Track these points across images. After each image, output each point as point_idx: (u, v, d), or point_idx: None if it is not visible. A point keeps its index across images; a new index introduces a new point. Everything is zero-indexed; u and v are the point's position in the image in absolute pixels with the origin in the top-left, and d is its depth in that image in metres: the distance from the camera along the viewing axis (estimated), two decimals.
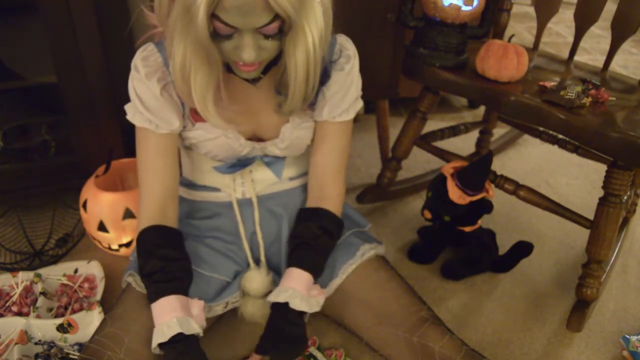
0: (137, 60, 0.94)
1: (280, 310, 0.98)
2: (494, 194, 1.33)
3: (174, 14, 0.81)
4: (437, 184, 1.33)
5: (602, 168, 1.27)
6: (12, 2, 1.40)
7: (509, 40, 1.28)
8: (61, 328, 1.10)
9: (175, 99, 0.97)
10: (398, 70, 1.52)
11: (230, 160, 1.05)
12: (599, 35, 3.22)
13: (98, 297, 1.20)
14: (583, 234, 1.36)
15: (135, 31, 1.09)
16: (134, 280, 1.01)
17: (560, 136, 1.54)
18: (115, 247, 1.31)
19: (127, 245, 1.31)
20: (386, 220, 1.57)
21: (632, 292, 1.36)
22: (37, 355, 1.06)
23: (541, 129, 1.56)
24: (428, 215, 1.36)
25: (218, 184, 1.11)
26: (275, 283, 1.05)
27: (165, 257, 0.96)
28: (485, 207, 1.32)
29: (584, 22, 1.39)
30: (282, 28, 0.82)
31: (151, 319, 0.93)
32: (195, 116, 0.98)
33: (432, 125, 1.93)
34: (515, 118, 1.30)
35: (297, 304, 0.97)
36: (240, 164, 1.05)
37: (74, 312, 1.17)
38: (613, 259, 1.42)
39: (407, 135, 1.52)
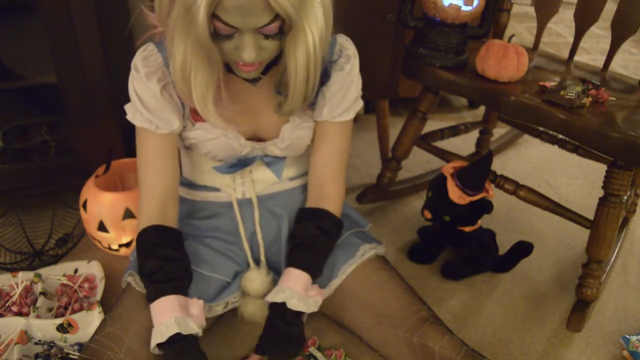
0: (137, 60, 0.94)
1: (278, 310, 0.99)
2: (494, 194, 1.33)
3: (174, 14, 0.81)
4: (437, 184, 1.33)
5: (602, 168, 1.27)
6: (12, 2, 1.40)
7: (509, 40, 1.28)
8: (61, 328, 1.10)
9: (175, 99, 0.97)
10: (398, 70, 1.52)
11: (230, 160, 1.05)
12: (599, 35, 3.22)
13: (98, 297, 1.20)
14: (583, 234, 1.36)
15: (135, 31, 1.09)
16: (133, 280, 1.01)
17: (560, 136, 1.54)
18: (115, 247, 1.31)
19: (127, 245, 1.31)
20: (386, 220, 1.57)
21: (632, 292, 1.36)
22: (37, 355, 1.06)
23: (541, 129, 1.56)
24: (428, 215, 1.36)
25: (218, 184, 1.11)
26: (275, 283, 1.05)
27: (164, 257, 0.96)
28: (485, 207, 1.32)
29: (584, 22, 1.39)
30: (282, 28, 0.82)
31: (151, 319, 0.93)
32: (195, 116, 0.98)
33: (432, 125, 1.93)
34: (515, 118, 1.30)
35: (294, 304, 0.97)
36: (240, 164, 1.05)
37: (74, 312, 1.17)
38: (613, 259, 1.42)
39: (407, 135, 1.52)
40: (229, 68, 0.91)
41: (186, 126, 1.01)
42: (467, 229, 1.35)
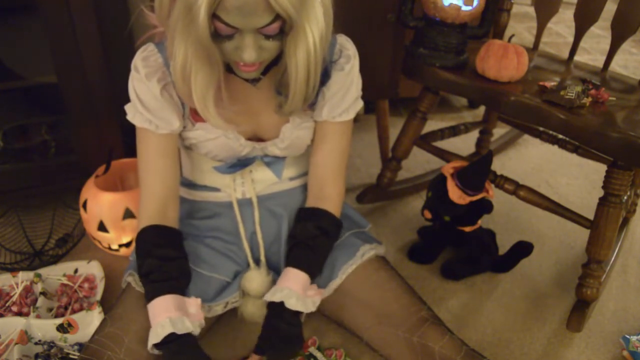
0: (137, 61, 0.94)
1: (276, 310, 0.99)
2: (494, 194, 1.33)
3: (174, 14, 0.81)
4: (437, 184, 1.33)
5: (602, 168, 1.27)
6: (12, 2, 1.40)
7: (509, 40, 1.28)
8: (61, 328, 1.10)
9: (176, 99, 0.97)
10: (398, 70, 1.52)
11: (230, 161, 1.05)
12: (599, 35, 3.22)
13: (98, 297, 1.20)
14: (583, 234, 1.36)
15: (135, 31, 1.09)
16: (133, 280, 1.01)
17: (560, 136, 1.54)
18: (115, 247, 1.31)
19: (127, 245, 1.31)
20: (386, 220, 1.57)
21: (632, 292, 1.36)
22: (37, 355, 1.06)
23: (541, 129, 1.56)
24: (428, 215, 1.36)
25: (218, 184, 1.11)
26: (275, 283, 1.05)
27: (162, 257, 0.96)
28: (485, 207, 1.32)
29: (584, 22, 1.39)
30: (283, 28, 0.82)
31: None
32: (196, 116, 0.98)
33: (432, 125, 1.93)
34: (515, 118, 1.30)
35: (292, 304, 0.97)
36: (240, 164, 1.05)
37: (74, 312, 1.17)
38: (613, 259, 1.42)
39: (407, 135, 1.52)
40: (229, 68, 0.91)
41: (186, 126, 1.01)
42: (467, 229, 1.35)
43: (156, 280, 0.94)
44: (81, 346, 1.09)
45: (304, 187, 1.15)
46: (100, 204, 1.27)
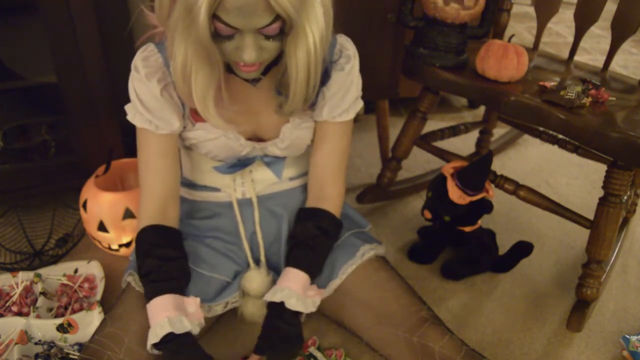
0: (137, 61, 0.94)
1: (276, 310, 0.99)
2: (494, 194, 1.33)
3: (174, 14, 0.81)
4: (437, 184, 1.33)
5: (602, 168, 1.27)
6: (12, 2, 1.40)
7: (509, 40, 1.28)
8: (61, 328, 1.10)
9: (176, 100, 0.97)
10: (398, 70, 1.52)
11: (230, 161, 1.05)
12: (599, 35, 3.22)
13: (98, 297, 1.20)
14: (583, 234, 1.36)
15: (135, 31, 1.09)
16: (133, 280, 1.01)
17: (560, 136, 1.54)
18: (115, 247, 1.31)
19: (127, 245, 1.31)
20: (386, 220, 1.57)
21: (632, 292, 1.36)
22: (37, 355, 1.06)
23: (541, 129, 1.56)
24: (428, 215, 1.36)
25: (218, 184, 1.11)
26: (275, 283, 1.05)
27: (162, 257, 0.96)
28: (485, 207, 1.32)
29: (584, 22, 1.39)
30: (283, 29, 0.82)
31: None
32: (196, 116, 0.98)
33: (432, 125, 1.93)
34: (515, 118, 1.30)
35: (292, 304, 0.97)
36: (240, 164, 1.05)
37: (74, 312, 1.17)
38: (613, 259, 1.42)
39: (407, 135, 1.52)
40: (229, 68, 0.91)
41: (186, 126, 1.01)
42: (467, 229, 1.35)
43: (156, 280, 0.94)
44: (81, 346, 1.09)
45: (304, 187, 1.15)
46: (100, 204, 1.27)
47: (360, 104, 1.07)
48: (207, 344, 1.00)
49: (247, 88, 0.98)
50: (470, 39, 1.35)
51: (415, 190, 1.70)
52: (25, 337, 1.07)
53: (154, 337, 0.89)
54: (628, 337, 1.18)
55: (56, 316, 1.17)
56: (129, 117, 0.98)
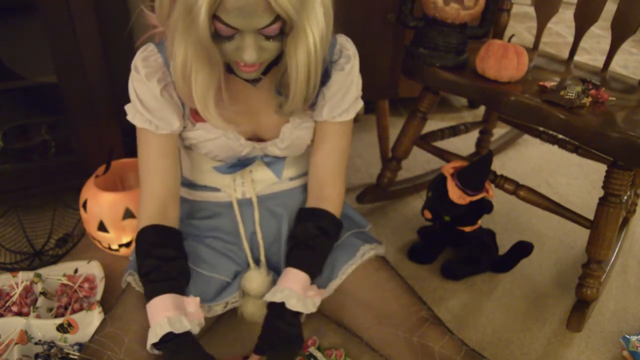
0: (137, 61, 0.94)
1: (277, 310, 0.99)
2: (494, 194, 1.33)
3: (174, 14, 0.81)
4: (437, 184, 1.33)
5: (602, 168, 1.27)
6: (12, 2, 1.40)
7: (509, 40, 1.28)
8: (61, 328, 1.10)
9: (176, 100, 0.97)
10: (398, 70, 1.52)
11: (230, 161, 1.05)
12: (599, 35, 3.22)
13: (98, 297, 1.20)
14: (583, 234, 1.36)
15: (135, 31, 1.09)
16: (133, 280, 1.01)
17: (560, 136, 1.54)
18: (115, 247, 1.31)
19: (127, 245, 1.31)
20: (386, 220, 1.57)
21: (632, 292, 1.36)
22: (37, 355, 1.06)
23: (541, 129, 1.56)
24: (428, 215, 1.36)
25: (218, 184, 1.11)
26: (275, 283, 1.05)
27: (162, 257, 0.96)
28: (485, 207, 1.32)
29: (584, 22, 1.39)
30: (283, 29, 0.82)
31: None
32: (196, 116, 0.98)
33: (432, 125, 1.93)
34: (515, 118, 1.30)
35: (293, 304, 0.97)
36: (240, 164, 1.05)
37: (74, 312, 1.17)
38: (613, 259, 1.42)
39: (407, 135, 1.52)
40: (229, 68, 0.91)
41: (186, 126, 1.01)
42: (467, 229, 1.35)
43: (155, 280, 0.94)
44: (81, 346, 1.09)
45: (304, 187, 1.15)
46: (100, 204, 1.27)
47: (360, 104, 1.07)
48: (207, 344, 1.00)
49: (247, 88, 0.98)
50: (470, 39, 1.35)
51: (415, 190, 1.70)
52: (25, 337, 1.07)
53: (154, 337, 0.89)
54: (628, 337, 1.18)
55: (56, 316, 1.17)
56: (129, 117, 0.98)
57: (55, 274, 1.26)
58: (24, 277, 1.21)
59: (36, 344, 1.08)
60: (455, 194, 1.28)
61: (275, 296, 0.98)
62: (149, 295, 0.93)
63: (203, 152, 1.03)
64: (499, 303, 1.30)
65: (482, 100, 1.29)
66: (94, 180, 1.31)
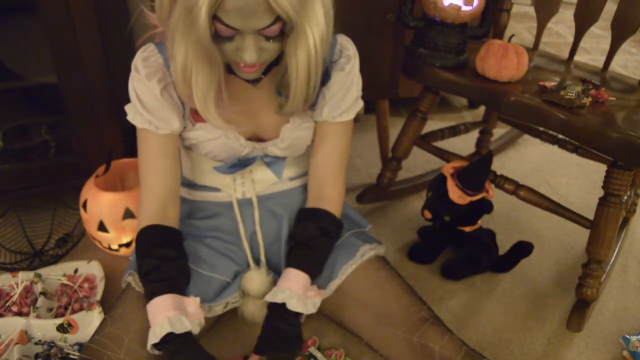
0: (137, 61, 0.94)
1: (277, 311, 0.99)
2: (494, 194, 1.33)
3: (175, 15, 0.81)
4: (437, 184, 1.33)
5: (602, 168, 1.27)
6: (12, 2, 1.40)
7: (509, 40, 1.28)
8: (61, 328, 1.10)
9: (176, 100, 0.97)
10: (398, 70, 1.52)
11: (230, 161, 1.05)
12: (599, 35, 3.22)
13: (98, 297, 1.20)
14: (583, 234, 1.36)
15: (135, 31, 1.09)
16: (133, 280, 1.01)
17: (560, 136, 1.54)
18: (115, 247, 1.31)
19: (127, 245, 1.31)
20: (386, 220, 1.57)
21: (632, 292, 1.36)
22: (37, 355, 1.06)
23: (541, 129, 1.56)
24: (428, 215, 1.36)
25: (218, 184, 1.11)
26: (275, 283, 1.05)
27: (162, 257, 0.96)
28: (485, 207, 1.32)
29: (584, 22, 1.39)
30: (283, 30, 0.82)
31: None
32: (196, 116, 0.98)
33: (432, 125, 1.93)
34: (515, 118, 1.30)
35: (293, 305, 0.97)
36: (240, 164, 1.05)
37: (74, 312, 1.17)
38: (613, 259, 1.42)
39: (407, 135, 1.52)
40: (229, 69, 0.91)
41: (186, 126, 1.01)
42: (467, 229, 1.35)
43: (155, 280, 0.94)
44: (81, 346, 1.09)
45: (304, 187, 1.15)
46: (100, 204, 1.27)
47: (360, 104, 1.07)
48: (207, 344, 1.00)
49: (248, 88, 0.98)
50: (470, 39, 1.35)
51: (415, 190, 1.70)
52: (25, 337, 1.07)
53: (154, 337, 0.89)
54: (628, 337, 1.18)
55: (56, 316, 1.17)
56: (129, 118, 0.98)
57: (55, 274, 1.26)
58: (24, 277, 1.21)
59: (36, 344, 1.08)
60: (455, 194, 1.28)
61: (275, 297, 0.98)
62: (149, 295, 0.93)
63: (203, 152, 1.03)
64: (499, 303, 1.30)
65: (482, 100, 1.29)
66: (94, 180, 1.31)
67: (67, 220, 1.47)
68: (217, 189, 1.11)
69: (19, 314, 1.15)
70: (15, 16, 1.40)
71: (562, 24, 3.39)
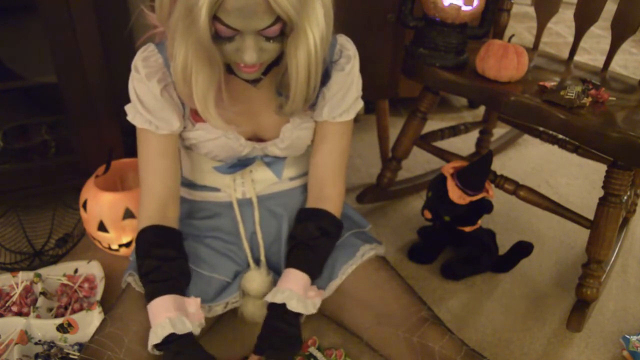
0: (137, 61, 0.94)
1: (277, 311, 0.99)
2: (494, 194, 1.33)
3: (175, 15, 0.81)
4: (437, 184, 1.33)
5: (602, 168, 1.27)
6: (12, 2, 1.40)
7: (509, 40, 1.28)
8: (61, 328, 1.10)
9: (176, 100, 0.97)
10: (398, 70, 1.52)
11: (230, 161, 1.05)
12: (599, 35, 3.22)
13: (98, 297, 1.20)
14: (583, 234, 1.36)
15: (135, 31, 1.09)
16: (133, 280, 1.01)
17: (560, 136, 1.54)
18: (115, 247, 1.31)
19: (127, 245, 1.31)
20: (386, 220, 1.57)
21: (632, 292, 1.36)
22: (37, 355, 1.06)
23: (541, 129, 1.56)
24: (428, 215, 1.36)
25: (218, 184, 1.11)
26: (275, 283, 1.05)
27: (161, 257, 0.96)
28: (485, 207, 1.32)
29: (584, 22, 1.39)
30: (283, 30, 0.82)
31: None
32: (196, 117, 0.98)
33: (432, 125, 1.93)
34: (515, 118, 1.30)
35: (293, 306, 0.97)
36: (240, 164, 1.05)
37: (74, 312, 1.17)
38: (613, 259, 1.42)
39: (407, 135, 1.52)
40: (229, 69, 0.91)
41: (186, 126, 1.01)
42: (467, 229, 1.35)
43: (156, 281, 0.94)
44: (81, 346, 1.09)
45: (304, 187, 1.15)
46: (100, 204, 1.27)
47: (360, 104, 1.07)
48: (207, 344, 1.00)
49: (248, 89, 0.98)
50: (470, 39, 1.35)
51: (415, 190, 1.70)
52: (25, 337, 1.07)
53: (155, 337, 0.89)
54: (628, 337, 1.18)
55: (56, 316, 1.17)
56: (129, 118, 0.98)
57: (55, 274, 1.26)
58: (24, 277, 1.21)
59: (36, 344, 1.08)
60: (455, 194, 1.28)
61: (275, 297, 0.98)
62: (150, 295, 0.93)
63: (203, 152, 1.03)
64: (499, 303, 1.30)
65: (482, 100, 1.29)
66: (94, 180, 1.31)
67: (67, 220, 1.47)
68: (217, 189, 1.11)
69: (19, 314, 1.15)
70: (15, 16, 1.40)
71: (562, 24, 3.39)
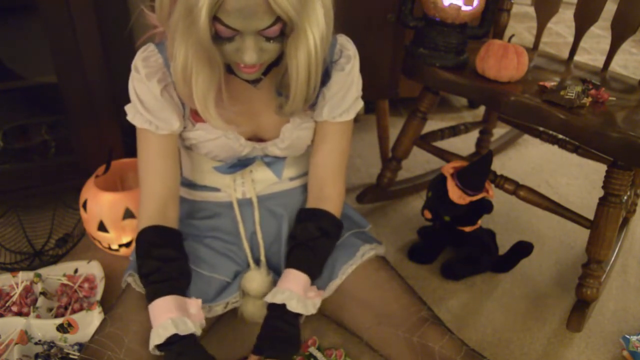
0: (137, 61, 0.94)
1: (277, 311, 0.99)
2: (494, 194, 1.33)
3: (175, 15, 0.81)
4: (437, 184, 1.33)
5: (602, 168, 1.27)
6: (12, 2, 1.40)
7: (509, 40, 1.28)
8: (61, 328, 1.10)
9: (176, 100, 0.97)
10: (398, 70, 1.52)
11: (230, 161, 1.05)
12: (599, 35, 3.22)
13: (98, 297, 1.20)
14: (583, 234, 1.36)
15: (135, 31, 1.09)
16: (133, 281, 1.01)
17: (560, 136, 1.54)
18: (115, 247, 1.31)
19: (127, 245, 1.31)
20: (386, 220, 1.57)
21: (632, 292, 1.36)
22: (37, 355, 1.06)
23: (541, 129, 1.56)
24: (428, 215, 1.36)
25: (218, 184, 1.11)
26: (275, 283, 1.05)
27: (162, 258, 0.96)
28: (485, 207, 1.32)
29: (584, 22, 1.39)
30: (283, 30, 0.82)
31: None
32: (196, 117, 0.98)
33: (432, 125, 1.93)
34: (515, 118, 1.30)
35: (293, 306, 0.97)
36: (240, 164, 1.05)
37: (74, 312, 1.17)
38: (613, 259, 1.42)
39: (407, 135, 1.52)
40: (229, 69, 0.91)
41: (186, 127, 1.01)
42: (467, 229, 1.35)
43: (156, 281, 0.94)
44: (81, 346, 1.09)
45: (304, 187, 1.15)
46: (100, 204, 1.27)
47: (360, 104, 1.07)
48: (207, 344, 1.00)
49: (248, 89, 0.98)
50: (470, 39, 1.35)
51: (415, 190, 1.70)
52: (25, 337, 1.07)
53: (157, 338, 0.89)
54: (628, 337, 1.18)
55: (56, 316, 1.17)
56: (129, 118, 0.98)
57: (55, 274, 1.26)
58: (24, 277, 1.21)
59: (36, 344, 1.08)
60: (455, 194, 1.28)
61: (275, 297, 0.98)
62: (151, 296, 0.93)
63: (203, 152, 1.03)
64: (499, 303, 1.30)
65: (482, 100, 1.29)
66: (94, 180, 1.31)
67: (67, 220, 1.47)
68: (217, 189, 1.11)
69: (19, 314, 1.15)
70: (15, 16, 1.40)
71: (562, 24, 3.39)
